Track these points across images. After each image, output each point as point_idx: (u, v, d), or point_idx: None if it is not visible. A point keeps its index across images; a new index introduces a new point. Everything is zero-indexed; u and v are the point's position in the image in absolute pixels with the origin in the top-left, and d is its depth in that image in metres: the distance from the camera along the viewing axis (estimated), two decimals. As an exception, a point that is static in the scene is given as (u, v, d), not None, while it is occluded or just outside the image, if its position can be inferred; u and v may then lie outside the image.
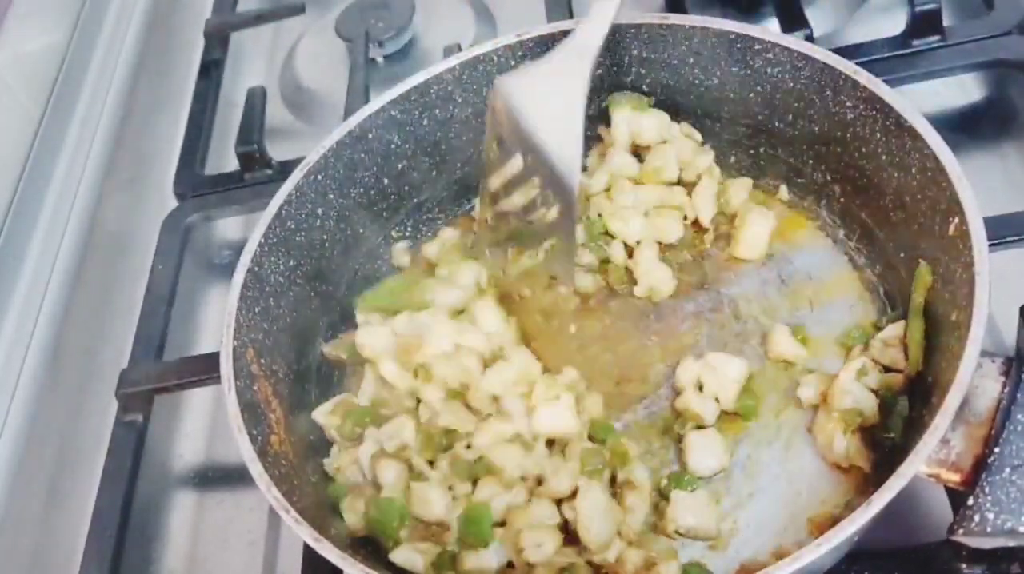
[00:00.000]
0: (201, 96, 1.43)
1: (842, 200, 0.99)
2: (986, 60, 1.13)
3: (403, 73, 1.27)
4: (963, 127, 1.14)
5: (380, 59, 1.44)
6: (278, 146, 1.32)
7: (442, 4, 1.49)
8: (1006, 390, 0.72)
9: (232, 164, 1.31)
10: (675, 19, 0.99)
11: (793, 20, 1.20)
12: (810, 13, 1.21)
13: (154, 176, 1.40)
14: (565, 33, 1.01)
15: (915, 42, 1.16)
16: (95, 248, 1.34)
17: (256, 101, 1.34)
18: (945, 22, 1.15)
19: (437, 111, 1.06)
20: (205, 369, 1.06)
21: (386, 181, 1.07)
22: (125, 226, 1.36)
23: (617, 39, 1.02)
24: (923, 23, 1.15)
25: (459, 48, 1.23)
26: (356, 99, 1.29)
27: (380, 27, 1.42)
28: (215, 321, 1.23)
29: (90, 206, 1.39)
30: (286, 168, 1.24)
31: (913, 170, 0.86)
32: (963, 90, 1.17)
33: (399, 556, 0.84)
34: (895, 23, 1.18)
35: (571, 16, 1.33)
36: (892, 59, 1.15)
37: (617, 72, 1.05)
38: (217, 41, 1.51)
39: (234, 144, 1.29)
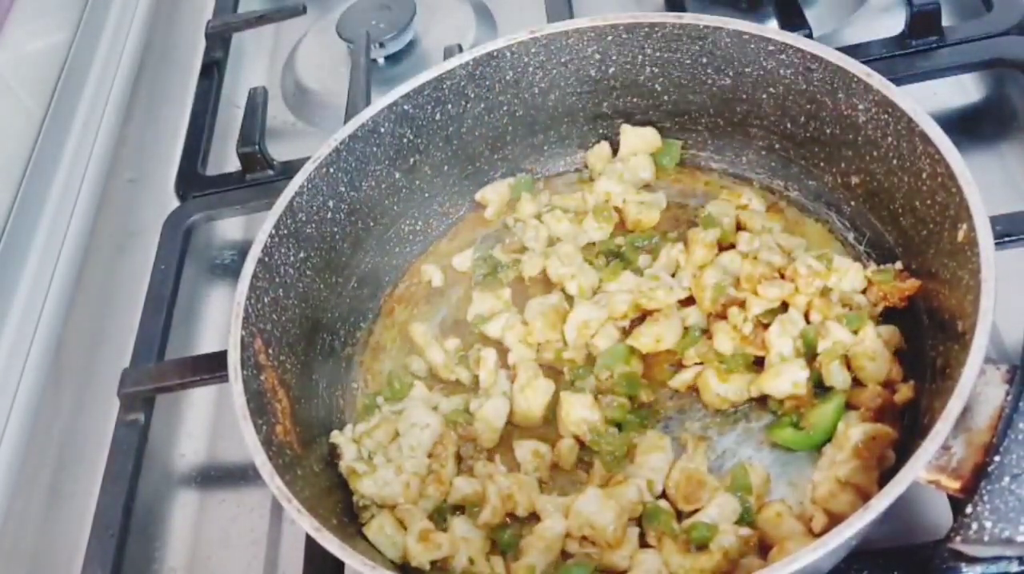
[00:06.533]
0: (203, 97, 1.44)
1: (852, 203, 0.99)
2: (985, 60, 1.13)
3: (404, 74, 1.28)
4: (962, 127, 1.14)
5: (381, 60, 1.44)
6: (279, 146, 1.32)
7: (443, 5, 1.49)
8: (1009, 398, 0.71)
9: (233, 164, 1.31)
10: (689, 19, 0.99)
11: (793, 20, 1.20)
12: (809, 13, 1.21)
13: (156, 176, 1.41)
14: (578, 31, 1.02)
15: (914, 42, 1.16)
16: (97, 248, 1.34)
17: (257, 102, 1.34)
18: (944, 22, 1.15)
19: (450, 106, 1.06)
20: (207, 369, 1.06)
21: (398, 175, 1.07)
22: (127, 226, 1.37)
23: (631, 37, 1.02)
24: (922, 23, 1.15)
25: (460, 49, 1.23)
26: (357, 100, 1.29)
27: (381, 28, 1.42)
28: (217, 321, 1.24)
29: (92, 206, 1.39)
30: (287, 168, 1.25)
31: (923, 175, 0.85)
32: (962, 90, 1.18)
33: None
34: (894, 23, 1.18)
35: (571, 16, 1.32)
36: (891, 59, 1.15)
37: (630, 70, 1.05)
38: (219, 42, 1.51)
39: (235, 144, 1.30)
